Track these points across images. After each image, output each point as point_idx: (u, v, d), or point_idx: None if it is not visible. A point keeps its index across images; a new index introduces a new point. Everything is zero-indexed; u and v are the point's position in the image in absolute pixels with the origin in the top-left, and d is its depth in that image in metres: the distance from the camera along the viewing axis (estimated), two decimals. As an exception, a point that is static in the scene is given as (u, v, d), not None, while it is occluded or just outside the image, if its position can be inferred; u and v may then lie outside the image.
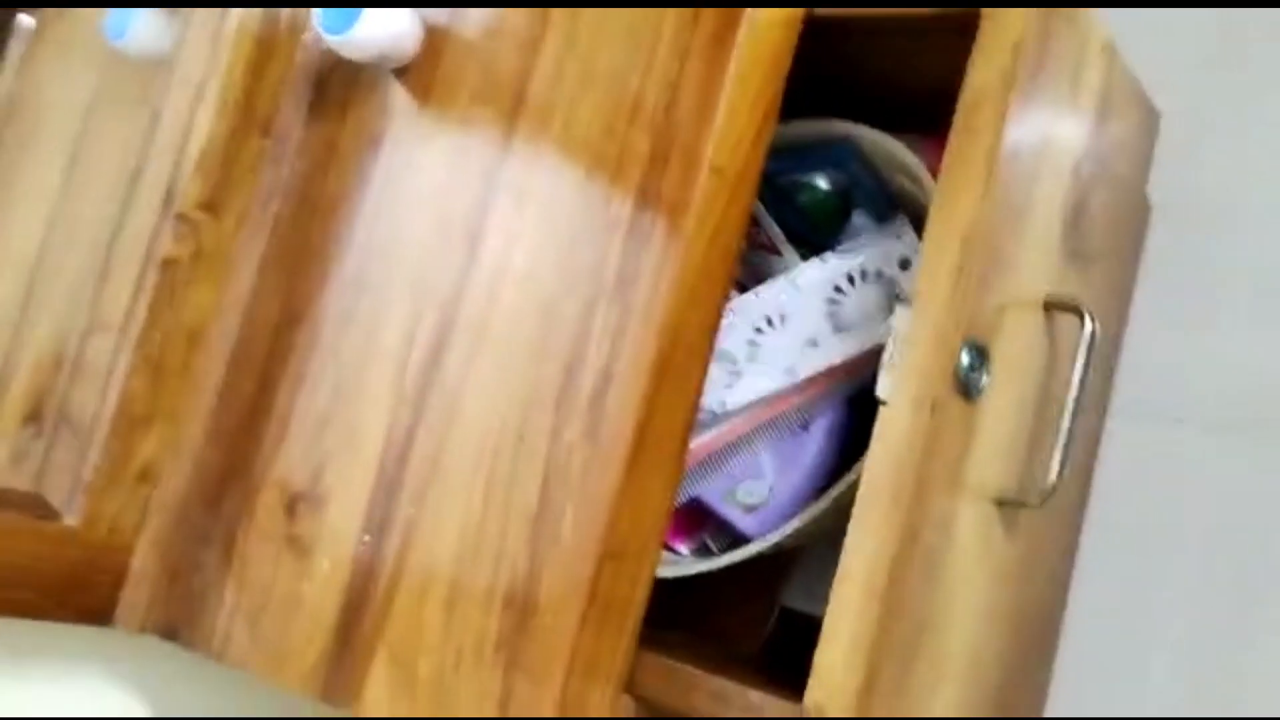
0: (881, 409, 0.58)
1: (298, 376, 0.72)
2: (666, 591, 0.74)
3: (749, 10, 0.62)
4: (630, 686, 0.63)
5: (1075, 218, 0.65)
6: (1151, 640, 0.97)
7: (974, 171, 0.57)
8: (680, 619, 0.82)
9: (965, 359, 0.58)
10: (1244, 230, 1.04)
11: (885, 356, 0.58)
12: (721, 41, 0.61)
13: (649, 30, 0.63)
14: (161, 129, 0.75)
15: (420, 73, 0.72)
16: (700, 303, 0.62)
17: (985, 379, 0.59)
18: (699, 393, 0.64)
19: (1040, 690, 0.82)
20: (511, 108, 0.67)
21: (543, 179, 0.65)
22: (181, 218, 0.73)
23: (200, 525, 0.72)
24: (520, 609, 0.60)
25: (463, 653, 0.61)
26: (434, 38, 0.71)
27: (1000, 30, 0.59)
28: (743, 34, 0.62)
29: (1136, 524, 0.99)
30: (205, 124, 0.74)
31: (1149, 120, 0.74)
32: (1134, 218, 0.76)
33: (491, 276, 0.66)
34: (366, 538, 0.66)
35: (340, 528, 0.67)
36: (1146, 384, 1.03)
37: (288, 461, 0.71)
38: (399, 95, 0.72)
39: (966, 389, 0.58)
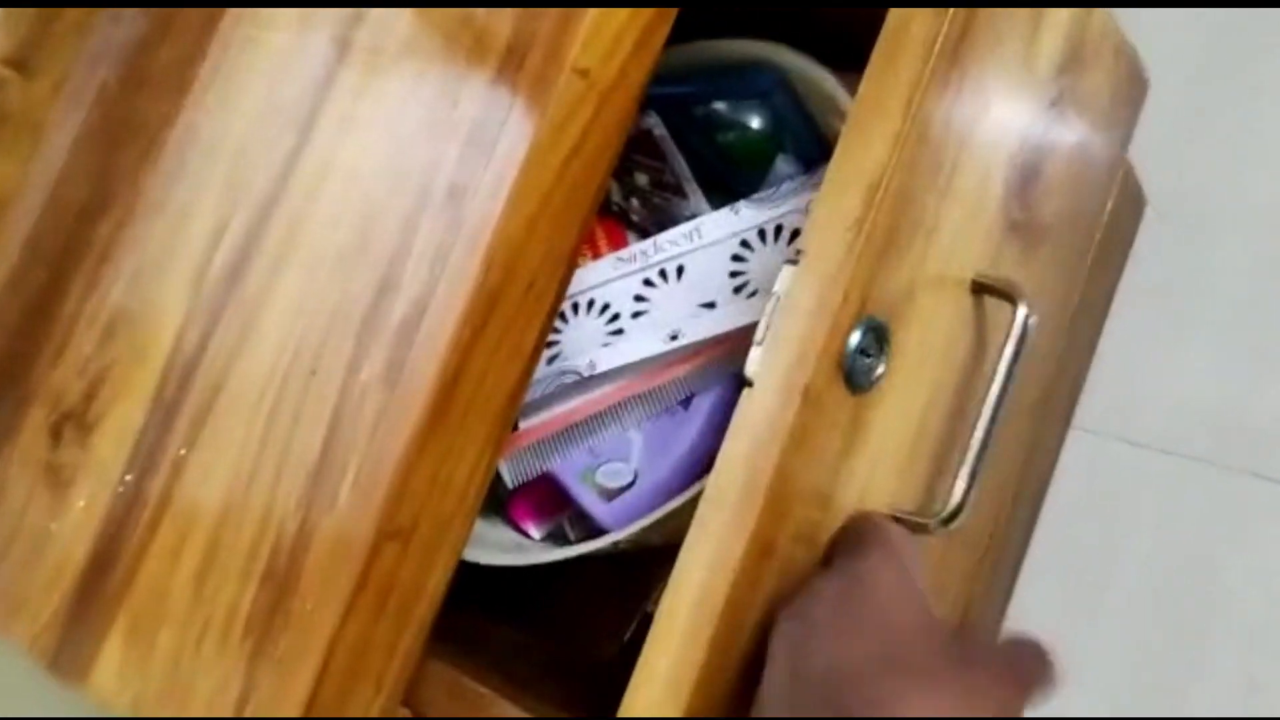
0: (746, 391, 0.46)
1: (94, 273, 0.60)
2: (524, 578, 0.63)
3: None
4: (411, 699, 0.51)
5: (1022, 183, 0.52)
6: (1090, 662, 0.90)
7: (891, 104, 0.45)
8: (541, 611, 0.70)
9: (856, 339, 0.46)
10: (1226, 252, 0.95)
11: (759, 328, 0.46)
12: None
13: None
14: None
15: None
16: (548, 232, 0.50)
17: (881, 367, 0.47)
18: (539, 343, 0.52)
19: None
20: (359, -24, 0.55)
21: (387, 64, 0.53)
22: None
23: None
24: (280, 585, 0.49)
25: (208, 630, 0.50)
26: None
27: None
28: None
29: (1082, 542, 0.92)
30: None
31: (1134, 89, 0.62)
32: (1103, 197, 0.63)
33: (314, 174, 0.54)
34: (129, 477, 0.55)
35: (104, 462, 0.56)
36: (1108, 401, 0.93)
37: (65, 372, 0.59)
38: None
39: (854, 377, 0.46)
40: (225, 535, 0.51)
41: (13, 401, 0.60)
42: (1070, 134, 0.57)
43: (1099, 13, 0.56)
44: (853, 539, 0.47)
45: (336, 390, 0.49)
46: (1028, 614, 0.88)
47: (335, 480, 0.48)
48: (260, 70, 0.58)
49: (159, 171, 0.59)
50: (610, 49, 0.49)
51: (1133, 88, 0.62)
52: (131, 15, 0.65)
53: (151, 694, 0.50)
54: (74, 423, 0.58)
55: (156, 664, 0.51)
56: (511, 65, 0.49)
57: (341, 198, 0.53)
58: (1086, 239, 0.62)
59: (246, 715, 0.47)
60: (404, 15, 0.53)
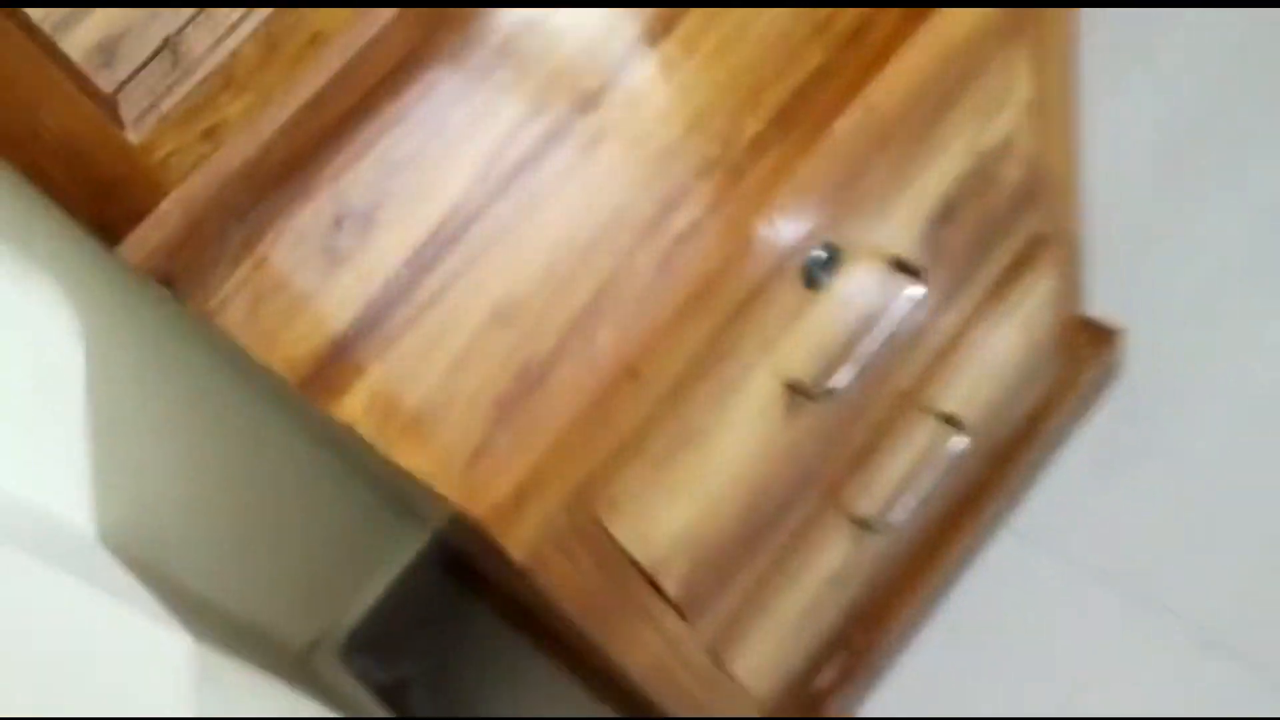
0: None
1: (401, 111, 0.75)
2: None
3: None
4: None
5: (944, 213, 0.78)
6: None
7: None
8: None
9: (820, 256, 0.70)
10: (1193, 388, 1.20)
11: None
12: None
13: None
14: None
15: None
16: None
17: (827, 280, 0.72)
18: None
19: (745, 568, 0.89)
20: None
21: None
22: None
23: (240, 203, 0.75)
24: (531, 382, 0.65)
25: (457, 397, 0.66)
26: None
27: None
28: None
29: (989, 642, 1.12)
30: None
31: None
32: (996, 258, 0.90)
33: (638, 85, 0.72)
34: (405, 271, 0.70)
35: (382, 253, 0.71)
36: (1052, 513, 1.16)
37: (350, 185, 0.74)
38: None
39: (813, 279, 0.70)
40: (487, 336, 0.67)
41: (294, 190, 0.75)
42: (986, 194, 0.81)
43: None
44: None
45: (611, 263, 0.67)
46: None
47: (594, 324, 0.66)
48: None
49: (493, 44, 0.75)
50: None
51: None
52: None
53: (393, 427, 0.66)
54: (355, 220, 0.73)
55: (404, 413, 0.66)
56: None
57: (663, 105, 0.70)
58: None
59: (481, 465, 0.63)
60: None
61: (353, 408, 0.67)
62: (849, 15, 0.70)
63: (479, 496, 0.63)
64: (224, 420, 1.00)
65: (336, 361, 0.69)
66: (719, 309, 0.68)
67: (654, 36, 0.74)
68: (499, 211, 0.71)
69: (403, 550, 1.24)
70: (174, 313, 0.86)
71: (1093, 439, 1.21)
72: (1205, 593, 1.12)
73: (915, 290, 0.78)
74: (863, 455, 0.93)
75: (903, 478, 0.98)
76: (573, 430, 0.65)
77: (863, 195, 0.73)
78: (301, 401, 0.70)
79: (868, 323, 0.79)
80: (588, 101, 0.73)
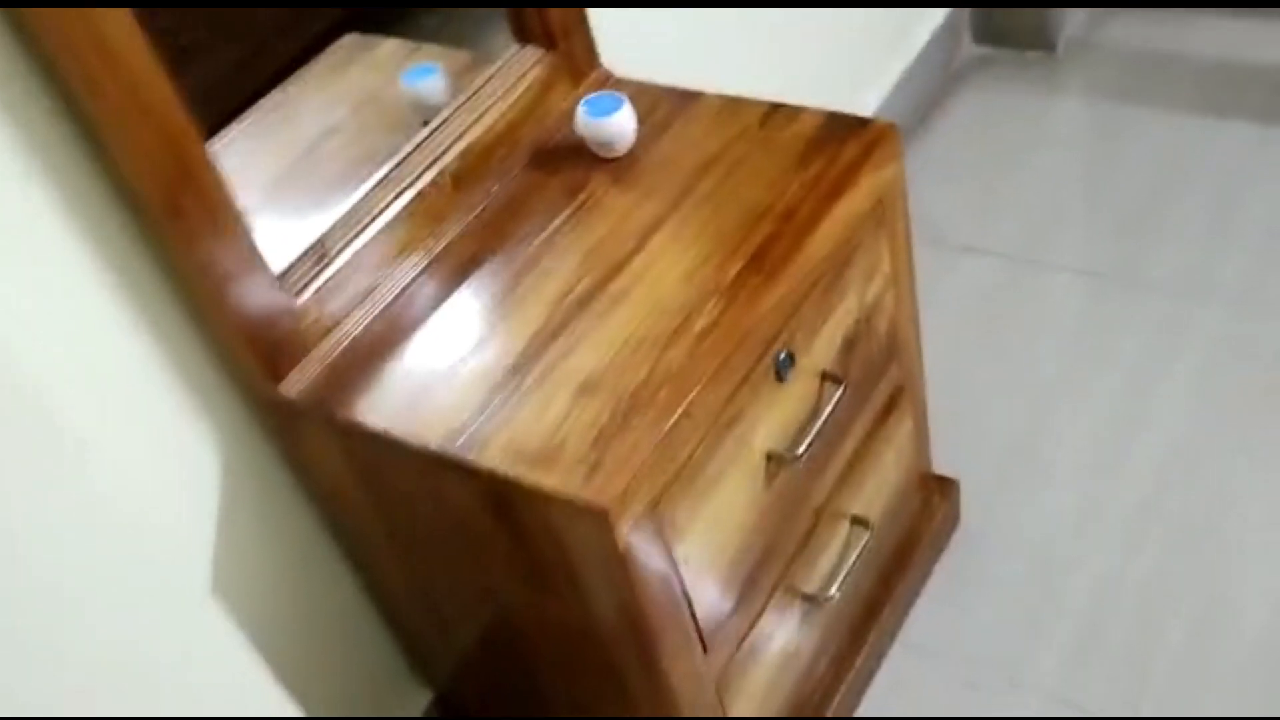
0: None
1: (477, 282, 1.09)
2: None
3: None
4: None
5: (847, 346, 1.16)
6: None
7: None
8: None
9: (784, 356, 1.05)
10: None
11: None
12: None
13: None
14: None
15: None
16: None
17: (790, 374, 1.05)
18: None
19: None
20: (683, 193, 1.13)
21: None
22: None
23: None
24: (616, 427, 0.95)
25: (567, 439, 0.95)
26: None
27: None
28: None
29: None
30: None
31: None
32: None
33: (636, 273, 1.07)
34: (510, 371, 1.01)
35: (491, 361, 1.02)
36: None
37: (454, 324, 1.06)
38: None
39: (780, 374, 1.04)
40: (578, 402, 0.97)
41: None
42: (872, 343, 1.19)
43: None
44: None
45: (656, 353, 1.00)
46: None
47: (654, 387, 0.98)
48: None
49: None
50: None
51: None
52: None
53: (524, 463, 0.94)
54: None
55: (529, 451, 0.95)
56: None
57: (653, 285, 1.06)
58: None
59: (593, 480, 0.92)
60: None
61: (491, 457, 0.95)
62: (790, 199, 1.10)
63: (598, 498, 0.91)
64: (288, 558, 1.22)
65: (474, 427, 0.97)
66: (730, 380, 1.01)
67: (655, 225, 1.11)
68: (572, 328, 1.03)
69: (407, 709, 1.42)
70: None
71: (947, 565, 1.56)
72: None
73: (838, 390, 1.13)
74: (805, 540, 1.24)
75: (832, 565, 1.29)
76: (651, 455, 0.95)
77: (803, 323, 1.10)
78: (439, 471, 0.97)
79: (812, 415, 1.13)
80: (615, 268, 1.08)
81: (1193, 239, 1.91)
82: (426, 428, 0.99)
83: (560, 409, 0.98)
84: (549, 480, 0.93)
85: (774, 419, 1.10)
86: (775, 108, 1.21)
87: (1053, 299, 1.88)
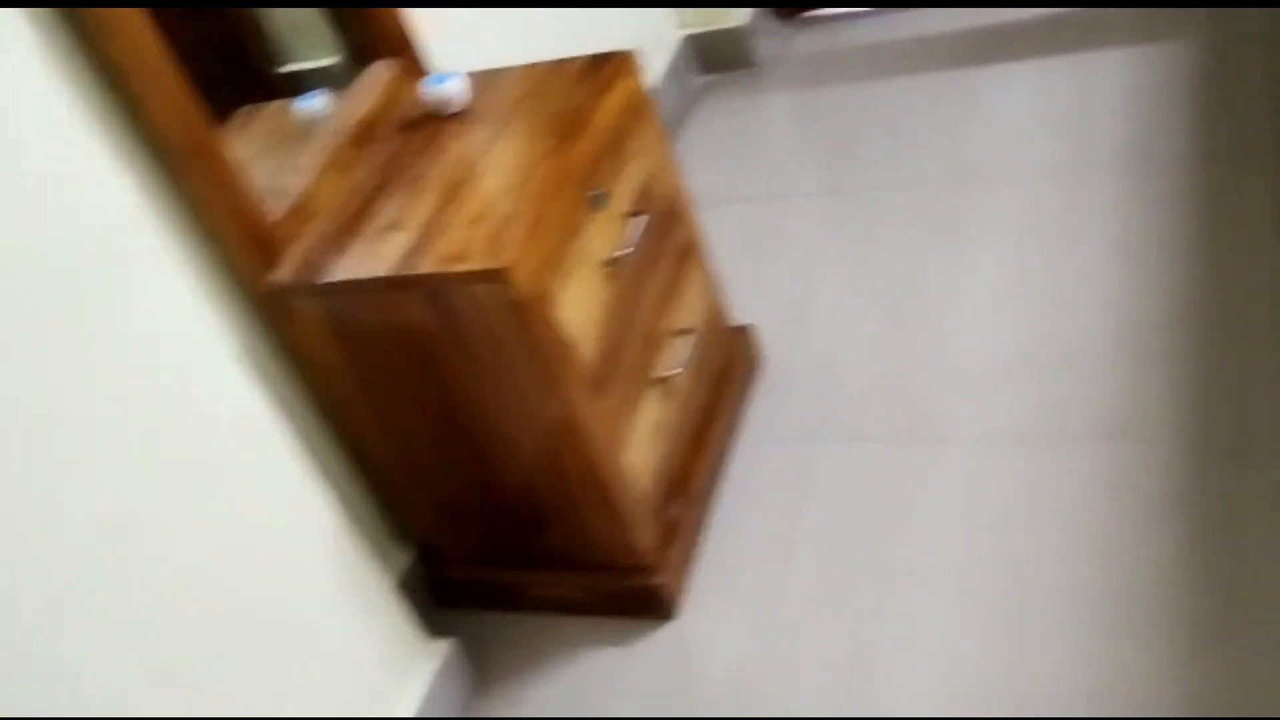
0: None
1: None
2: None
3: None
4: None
5: (643, 193, 1.74)
6: None
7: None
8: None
9: (599, 194, 1.62)
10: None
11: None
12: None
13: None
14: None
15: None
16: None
17: (607, 205, 1.62)
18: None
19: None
20: (507, 115, 1.71)
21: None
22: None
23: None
24: (502, 228, 1.51)
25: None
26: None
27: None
28: (602, 101, 1.71)
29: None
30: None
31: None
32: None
33: (490, 162, 1.65)
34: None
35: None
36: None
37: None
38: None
39: (596, 203, 1.61)
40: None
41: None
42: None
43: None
44: None
45: (516, 188, 1.56)
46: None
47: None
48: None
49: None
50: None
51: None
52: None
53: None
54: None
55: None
56: (567, 129, 1.66)
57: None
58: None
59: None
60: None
61: (426, 265, 1.49)
62: (575, 100, 1.69)
63: (499, 263, 1.46)
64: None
65: (409, 257, 1.51)
66: (564, 201, 1.58)
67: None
68: (460, 196, 1.59)
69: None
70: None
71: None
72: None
73: (643, 220, 1.71)
74: (648, 343, 1.79)
75: (675, 361, 1.85)
76: (526, 245, 1.49)
77: (604, 174, 1.68)
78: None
79: (629, 236, 1.70)
80: (473, 165, 1.65)
81: (877, 159, 2.61)
82: (379, 264, 1.52)
83: (462, 235, 1.53)
84: (466, 265, 1.47)
85: (605, 237, 1.66)
86: (560, 61, 1.82)
87: (793, 216, 2.53)
